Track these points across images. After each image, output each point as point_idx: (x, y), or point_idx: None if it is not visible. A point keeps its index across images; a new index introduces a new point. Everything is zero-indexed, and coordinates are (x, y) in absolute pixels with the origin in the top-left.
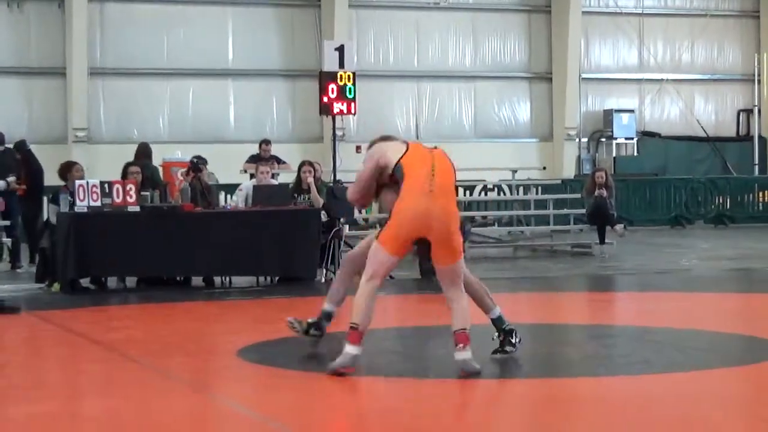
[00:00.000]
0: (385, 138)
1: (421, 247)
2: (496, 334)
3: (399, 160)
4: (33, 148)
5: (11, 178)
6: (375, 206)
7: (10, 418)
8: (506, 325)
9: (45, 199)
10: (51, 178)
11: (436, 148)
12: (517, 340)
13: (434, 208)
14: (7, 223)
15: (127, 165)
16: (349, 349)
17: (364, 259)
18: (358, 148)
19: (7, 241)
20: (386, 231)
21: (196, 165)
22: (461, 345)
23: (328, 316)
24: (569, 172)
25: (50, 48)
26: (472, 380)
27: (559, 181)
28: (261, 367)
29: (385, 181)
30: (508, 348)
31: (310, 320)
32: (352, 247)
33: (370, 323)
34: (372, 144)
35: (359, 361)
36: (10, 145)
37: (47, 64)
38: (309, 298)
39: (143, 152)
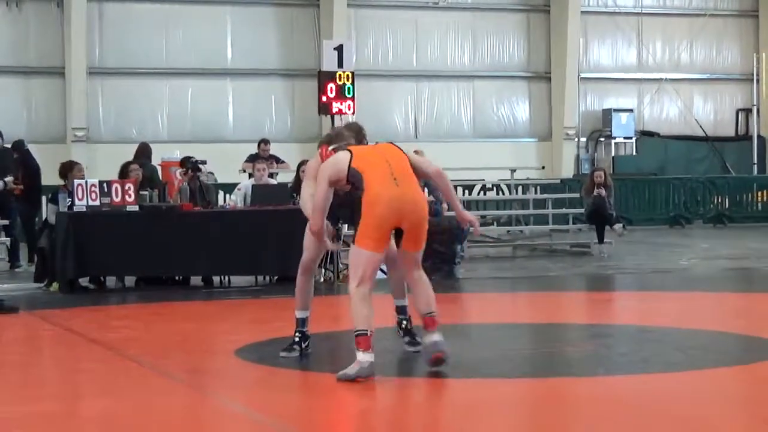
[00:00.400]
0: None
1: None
2: (400, 324)
3: (350, 165)
4: (32, 147)
5: (8, 179)
6: None
7: (7, 418)
8: (407, 318)
9: (44, 198)
10: (50, 178)
11: (377, 143)
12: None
13: (404, 196)
14: (6, 222)
15: (127, 164)
16: (364, 357)
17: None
18: None
19: (6, 240)
20: (361, 230)
21: (195, 164)
22: (431, 329)
23: (303, 322)
24: (568, 171)
25: (49, 47)
26: (472, 380)
27: (558, 181)
28: (260, 366)
29: (340, 199)
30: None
31: (296, 339)
32: (349, 246)
33: (374, 323)
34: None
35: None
36: (8, 145)
37: (46, 63)
38: None
39: (143, 152)
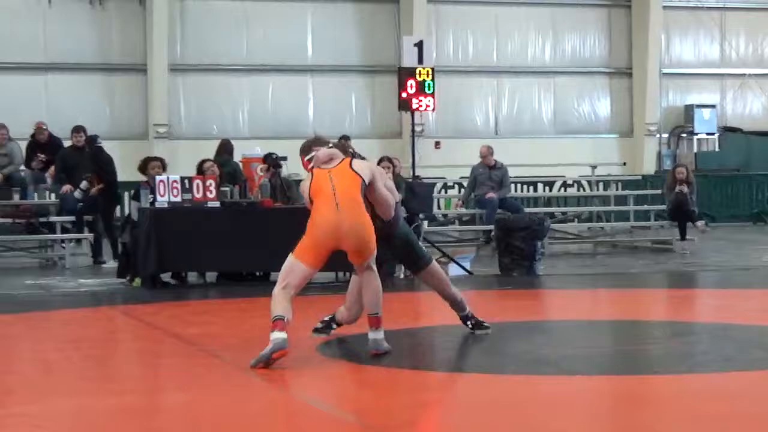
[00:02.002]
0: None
1: (500, 244)
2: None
3: (309, 190)
4: (114, 144)
5: (84, 184)
6: (454, 201)
7: (91, 411)
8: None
9: (126, 194)
10: (132, 174)
11: (338, 164)
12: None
13: (343, 224)
14: (90, 218)
15: (203, 161)
16: (278, 335)
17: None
18: (437, 144)
19: (89, 236)
20: (301, 244)
21: (276, 161)
22: (373, 327)
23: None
24: (649, 167)
25: (131, 45)
26: (553, 376)
27: (640, 177)
28: (341, 362)
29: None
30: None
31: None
32: (431, 243)
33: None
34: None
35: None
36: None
37: (128, 60)
38: (386, 294)
39: (224, 148)
